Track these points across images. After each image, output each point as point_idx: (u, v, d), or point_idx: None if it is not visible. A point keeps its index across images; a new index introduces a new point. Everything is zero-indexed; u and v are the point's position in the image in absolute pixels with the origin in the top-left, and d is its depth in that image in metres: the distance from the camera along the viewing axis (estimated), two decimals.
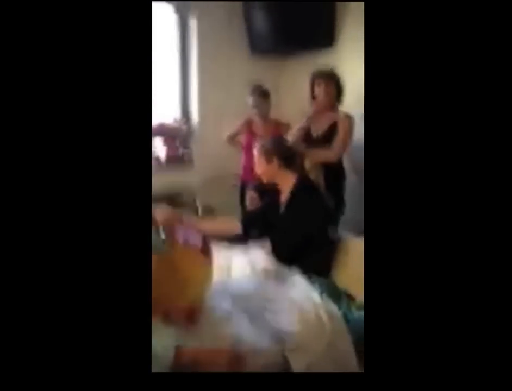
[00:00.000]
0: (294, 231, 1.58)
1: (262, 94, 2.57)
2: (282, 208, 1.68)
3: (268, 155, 1.67)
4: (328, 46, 2.73)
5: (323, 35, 2.72)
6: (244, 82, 2.72)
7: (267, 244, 1.64)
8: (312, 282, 1.43)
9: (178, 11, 2.81)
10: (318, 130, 2.33)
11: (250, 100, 2.58)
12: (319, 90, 2.28)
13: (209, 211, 2.43)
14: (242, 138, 2.68)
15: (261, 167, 1.70)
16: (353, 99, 2.39)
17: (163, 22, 2.78)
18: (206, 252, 1.27)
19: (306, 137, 2.34)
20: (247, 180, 2.54)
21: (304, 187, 1.66)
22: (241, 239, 1.73)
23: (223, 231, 1.76)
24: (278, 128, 2.61)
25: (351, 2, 2.59)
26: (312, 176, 1.93)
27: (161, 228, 1.23)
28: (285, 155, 1.68)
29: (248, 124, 2.65)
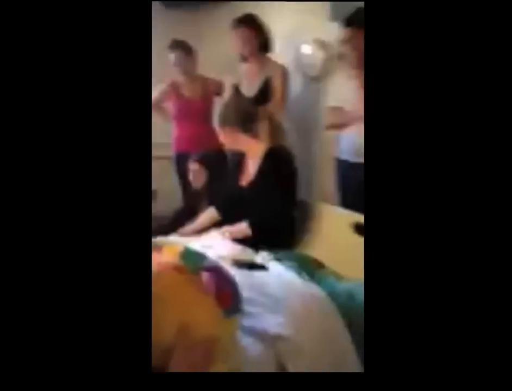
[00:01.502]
0: (272, 203, 1.44)
1: (185, 49, 2.25)
2: (251, 177, 1.52)
3: (228, 122, 1.50)
4: None
5: None
6: (159, 39, 2.37)
7: (225, 228, 1.48)
8: (281, 259, 1.31)
9: None
10: (251, 89, 2.13)
11: (171, 57, 2.25)
12: (238, 38, 2.04)
13: None
14: (170, 104, 2.36)
15: (224, 137, 1.54)
16: (281, 51, 2.21)
17: None
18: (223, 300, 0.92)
19: (239, 97, 2.13)
20: (184, 151, 2.25)
21: (276, 152, 1.52)
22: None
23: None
24: (208, 87, 2.34)
25: None
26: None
27: None
28: (245, 118, 1.51)
29: (174, 87, 2.33)
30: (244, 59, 2.13)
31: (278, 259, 1.32)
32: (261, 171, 1.50)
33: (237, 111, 1.52)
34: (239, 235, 1.43)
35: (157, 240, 1.33)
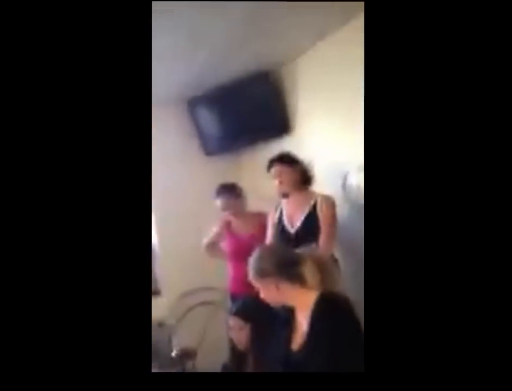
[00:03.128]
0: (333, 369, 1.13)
1: (231, 192, 2.23)
2: (304, 337, 1.25)
3: (266, 272, 1.29)
4: (284, 134, 2.55)
5: (276, 124, 2.54)
6: (203, 187, 2.43)
7: None
8: None
9: None
10: (294, 224, 1.98)
11: (219, 202, 2.22)
12: (276, 177, 1.97)
13: (189, 354, 1.90)
14: (224, 244, 2.30)
15: (264, 291, 1.31)
16: (320, 183, 2.11)
17: None
18: None
19: (283, 235, 1.98)
20: (240, 293, 2.02)
21: (329, 300, 1.24)
22: None
23: None
24: (260, 222, 2.20)
25: (300, 91, 2.46)
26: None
27: None
28: (286, 263, 1.29)
29: (227, 226, 2.27)
30: (285, 195, 2.04)
31: None
32: (313, 328, 1.22)
33: (275, 257, 1.31)
34: None
35: None
